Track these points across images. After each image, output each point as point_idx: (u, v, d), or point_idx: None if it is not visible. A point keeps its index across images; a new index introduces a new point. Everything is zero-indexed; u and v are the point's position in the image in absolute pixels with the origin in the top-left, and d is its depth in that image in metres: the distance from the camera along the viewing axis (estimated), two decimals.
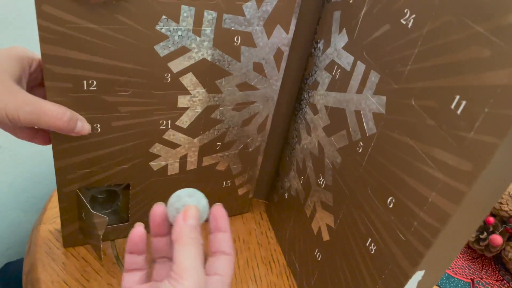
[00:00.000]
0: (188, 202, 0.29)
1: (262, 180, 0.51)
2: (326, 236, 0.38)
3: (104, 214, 0.38)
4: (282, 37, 0.38)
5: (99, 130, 0.36)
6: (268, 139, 0.46)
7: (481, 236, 0.52)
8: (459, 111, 0.23)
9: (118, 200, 0.44)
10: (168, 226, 0.30)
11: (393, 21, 0.28)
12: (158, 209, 0.30)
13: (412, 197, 0.27)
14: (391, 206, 0.29)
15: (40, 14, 0.29)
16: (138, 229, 0.30)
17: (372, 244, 0.31)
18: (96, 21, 0.30)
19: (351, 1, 0.33)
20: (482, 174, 0.22)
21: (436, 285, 0.49)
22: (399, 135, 0.28)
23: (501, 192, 0.24)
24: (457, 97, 0.23)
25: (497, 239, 0.50)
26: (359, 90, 0.32)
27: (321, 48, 0.38)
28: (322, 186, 0.38)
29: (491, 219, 0.51)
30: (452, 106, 0.24)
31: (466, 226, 0.25)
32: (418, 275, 0.28)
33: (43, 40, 0.30)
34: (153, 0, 0.31)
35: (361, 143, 0.32)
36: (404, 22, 0.27)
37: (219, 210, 0.30)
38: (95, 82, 0.33)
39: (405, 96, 0.27)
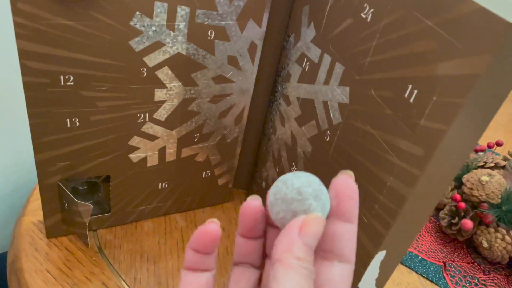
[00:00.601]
0: (314, 208, 0.20)
1: (241, 170, 0.53)
2: None
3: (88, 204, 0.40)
4: (255, 31, 0.39)
5: (78, 124, 0.37)
6: (246, 130, 0.47)
7: (453, 221, 0.54)
8: (411, 100, 0.25)
9: (99, 191, 0.46)
10: (263, 227, 0.23)
11: (355, 15, 0.29)
12: (253, 205, 0.22)
13: (373, 182, 0.29)
14: None
15: (15, 11, 0.30)
16: (211, 227, 0.22)
17: None
18: (71, 17, 0.31)
19: None
20: (432, 159, 0.24)
21: (410, 268, 0.51)
22: (362, 124, 0.29)
23: (452, 176, 0.26)
24: (410, 86, 0.25)
25: (468, 223, 0.52)
26: (326, 82, 0.33)
27: (292, 41, 0.39)
28: None
29: (462, 204, 0.54)
30: (406, 95, 0.25)
31: (421, 208, 0.27)
32: (380, 255, 0.30)
33: (19, 36, 0.31)
34: None
35: (328, 132, 0.34)
36: (364, 16, 0.28)
37: (348, 182, 0.21)
38: (72, 77, 0.34)
39: (366, 87, 0.29)
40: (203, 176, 0.49)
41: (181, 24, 0.36)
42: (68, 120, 0.36)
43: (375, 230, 0.29)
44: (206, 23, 0.37)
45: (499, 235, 0.52)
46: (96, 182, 0.45)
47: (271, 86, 0.45)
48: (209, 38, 0.38)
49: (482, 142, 0.78)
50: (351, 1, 0.30)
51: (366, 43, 0.28)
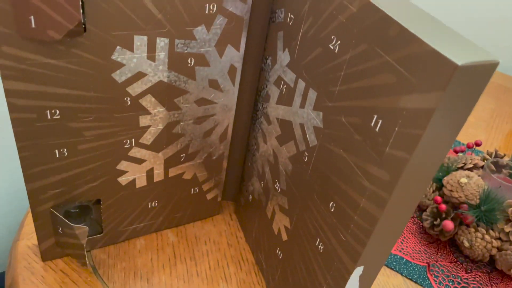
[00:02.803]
0: None
1: (229, 183, 0.54)
2: (284, 237, 0.41)
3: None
4: (234, 55, 0.41)
5: (66, 154, 0.39)
6: (231, 146, 0.49)
7: (435, 222, 0.56)
8: (377, 129, 0.27)
9: (90, 213, 0.47)
10: None
11: (324, 46, 0.31)
12: None
13: (348, 203, 0.30)
14: (332, 210, 0.32)
15: (0, 54, 0.31)
16: None
17: (321, 243, 0.35)
18: (54, 56, 0.33)
19: (290, 24, 0.36)
20: (398, 183, 0.26)
21: (395, 270, 0.53)
22: (335, 147, 0.31)
23: (418, 198, 0.28)
24: (375, 116, 0.27)
25: (449, 224, 0.54)
26: (302, 105, 0.35)
27: (270, 64, 0.41)
28: (279, 191, 0.41)
29: (443, 206, 0.56)
30: (372, 124, 0.27)
31: (392, 227, 0.29)
32: (359, 270, 0.31)
33: (4, 77, 0.32)
34: (107, 34, 0.34)
35: (306, 153, 0.35)
36: (332, 47, 0.30)
37: None
38: (58, 111, 0.36)
39: (337, 113, 0.30)
40: (192, 192, 0.50)
41: (161, 54, 0.37)
42: (56, 150, 0.38)
43: (352, 247, 0.31)
44: (185, 51, 0.38)
45: (479, 234, 0.54)
46: (87, 205, 0.46)
47: (252, 104, 0.47)
48: (189, 65, 0.39)
49: (463, 139, 0.80)
50: (319, 32, 0.31)
51: (335, 72, 0.30)
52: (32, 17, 0.30)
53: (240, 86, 0.44)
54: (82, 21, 0.32)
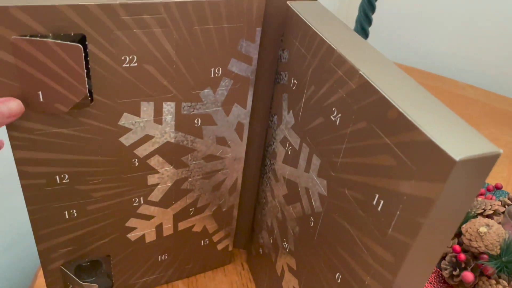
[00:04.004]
0: None
1: (241, 230, 0.54)
2: None
3: (90, 281, 0.41)
4: (241, 112, 0.41)
5: (76, 214, 0.39)
6: (242, 195, 0.49)
7: (454, 273, 0.54)
8: (379, 208, 0.26)
9: (101, 267, 0.47)
10: None
11: (325, 116, 0.31)
12: None
13: (354, 277, 0.30)
14: (339, 281, 0.32)
15: (10, 127, 0.32)
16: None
17: None
18: (62, 126, 0.34)
19: (293, 88, 0.36)
20: (402, 266, 0.25)
21: None
22: (340, 218, 0.31)
23: (425, 280, 0.27)
24: (377, 195, 0.26)
25: (469, 276, 0.52)
26: (306, 169, 0.35)
27: (276, 122, 0.41)
28: (287, 250, 0.41)
29: (462, 256, 0.54)
30: (374, 203, 0.26)
31: None
32: None
33: (15, 147, 0.33)
34: (113, 102, 0.34)
35: (312, 218, 0.35)
36: (333, 119, 0.30)
37: None
38: (67, 176, 0.36)
39: (340, 184, 0.30)
40: (202, 244, 0.50)
41: (168, 117, 0.37)
42: (66, 212, 0.38)
43: None
44: (192, 113, 0.38)
45: (500, 286, 0.51)
46: (98, 259, 0.46)
47: (261, 158, 0.47)
48: (196, 125, 0.39)
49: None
50: (321, 102, 0.31)
51: (337, 143, 0.30)
52: (40, 92, 0.31)
53: (248, 139, 0.44)
54: (88, 92, 0.32)
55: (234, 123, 0.41)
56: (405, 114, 0.23)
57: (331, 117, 0.30)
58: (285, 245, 0.41)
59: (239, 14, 0.35)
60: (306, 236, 0.36)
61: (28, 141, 0.33)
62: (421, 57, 1.03)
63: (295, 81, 0.35)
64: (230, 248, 0.53)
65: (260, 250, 0.49)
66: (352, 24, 0.71)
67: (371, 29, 0.70)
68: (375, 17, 0.68)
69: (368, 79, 0.26)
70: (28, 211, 0.37)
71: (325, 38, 0.30)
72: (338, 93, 0.29)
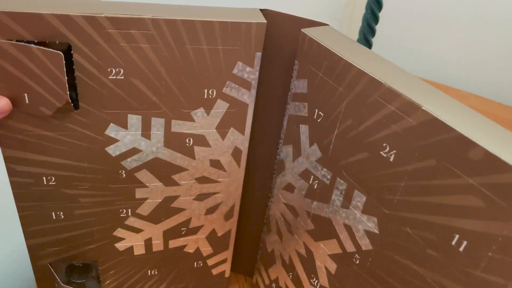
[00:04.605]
0: None
1: (241, 255, 0.52)
2: None
3: (79, 283, 0.42)
4: (238, 138, 0.39)
5: (62, 217, 0.40)
6: (244, 224, 0.47)
7: None
8: (461, 249, 0.23)
9: (92, 272, 0.48)
10: None
11: (372, 152, 0.28)
12: None
13: None
14: None
15: (0, 125, 0.33)
16: None
17: None
18: (48, 129, 0.34)
19: (319, 120, 0.33)
20: None
21: None
22: (400, 257, 0.28)
23: None
24: (457, 236, 0.23)
25: None
26: (344, 206, 0.32)
27: (291, 154, 0.38)
28: (317, 287, 0.38)
29: None
30: (453, 243, 0.24)
31: None
32: None
33: (3, 145, 0.34)
34: (99, 111, 0.35)
35: (357, 255, 0.32)
36: (384, 155, 0.27)
37: None
38: (53, 178, 0.37)
39: (399, 222, 0.27)
40: (195, 266, 0.49)
41: (157, 133, 0.37)
42: (53, 213, 0.39)
43: None
44: (183, 131, 0.38)
45: None
46: (88, 263, 0.47)
47: (267, 187, 0.45)
48: (187, 144, 0.39)
49: None
50: (364, 137, 0.29)
51: (391, 181, 0.27)
52: (26, 95, 0.32)
53: (251, 166, 0.42)
54: (73, 100, 0.33)
55: (231, 147, 0.40)
56: (495, 154, 0.20)
57: (382, 153, 0.27)
58: (313, 281, 0.38)
59: (235, 37, 0.34)
60: (349, 273, 0.33)
61: (16, 141, 0.34)
62: (423, 66, 0.98)
63: (320, 113, 0.33)
64: (227, 275, 0.51)
65: (274, 285, 0.46)
66: (355, 35, 0.68)
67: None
68: (377, 26, 0.64)
69: (436, 116, 0.23)
70: (17, 207, 0.38)
71: (365, 70, 0.28)
72: (390, 128, 0.26)
